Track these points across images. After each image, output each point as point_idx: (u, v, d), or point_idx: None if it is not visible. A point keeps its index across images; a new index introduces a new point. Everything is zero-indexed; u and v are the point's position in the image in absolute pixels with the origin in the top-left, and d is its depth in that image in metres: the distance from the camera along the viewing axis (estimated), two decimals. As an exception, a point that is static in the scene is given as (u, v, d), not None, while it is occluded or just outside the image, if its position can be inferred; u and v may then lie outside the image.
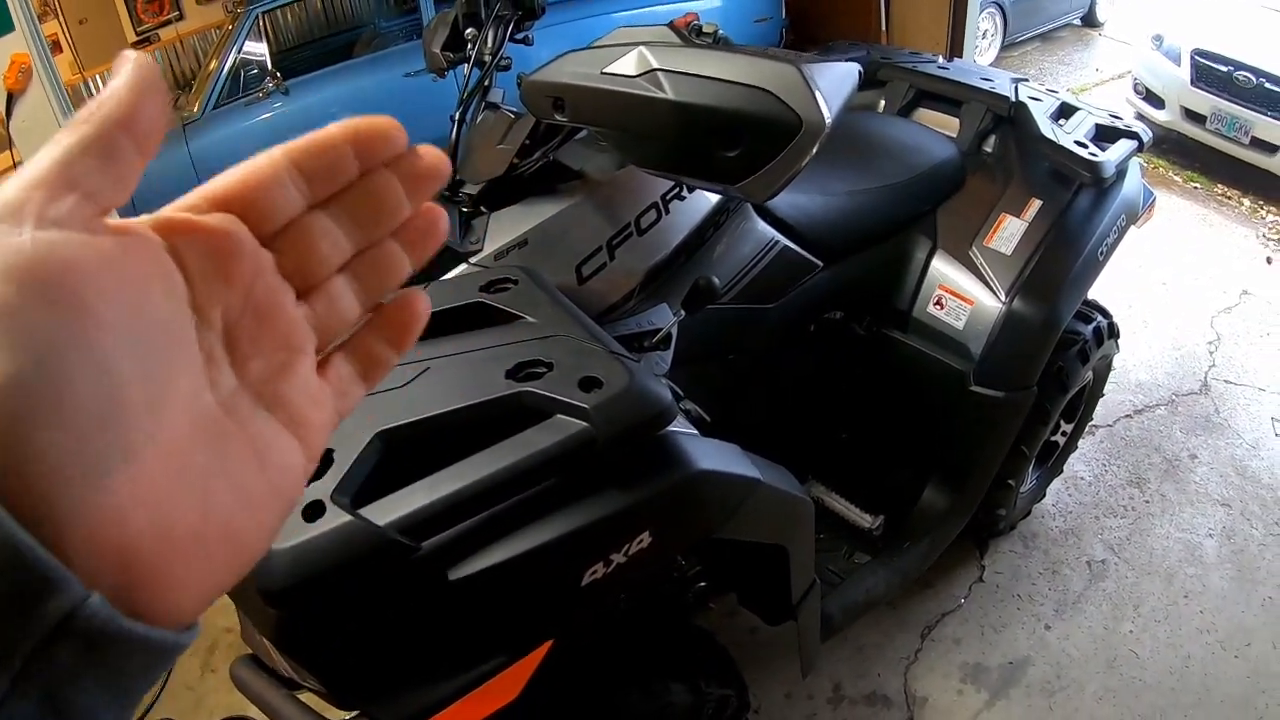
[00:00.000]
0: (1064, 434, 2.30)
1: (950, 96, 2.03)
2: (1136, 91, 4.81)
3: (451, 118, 1.42)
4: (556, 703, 1.18)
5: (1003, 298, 1.78)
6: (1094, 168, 1.78)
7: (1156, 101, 4.64)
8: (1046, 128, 1.84)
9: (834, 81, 1.08)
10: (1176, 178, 4.44)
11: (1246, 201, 4.19)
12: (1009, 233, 1.82)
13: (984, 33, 5.73)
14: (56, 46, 4.60)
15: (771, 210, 1.63)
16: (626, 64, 1.15)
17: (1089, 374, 2.14)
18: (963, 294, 1.82)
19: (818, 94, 1.04)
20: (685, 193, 1.47)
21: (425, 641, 0.93)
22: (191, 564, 0.28)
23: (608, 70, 1.17)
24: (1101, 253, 1.89)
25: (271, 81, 3.94)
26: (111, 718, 0.26)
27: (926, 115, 2.09)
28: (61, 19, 4.87)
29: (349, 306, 0.34)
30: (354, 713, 1.02)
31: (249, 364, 0.31)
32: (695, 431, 1.12)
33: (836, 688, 2.03)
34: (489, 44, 1.48)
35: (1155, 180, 4.33)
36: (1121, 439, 2.73)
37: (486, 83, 1.48)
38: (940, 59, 2.21)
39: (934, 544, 1.94)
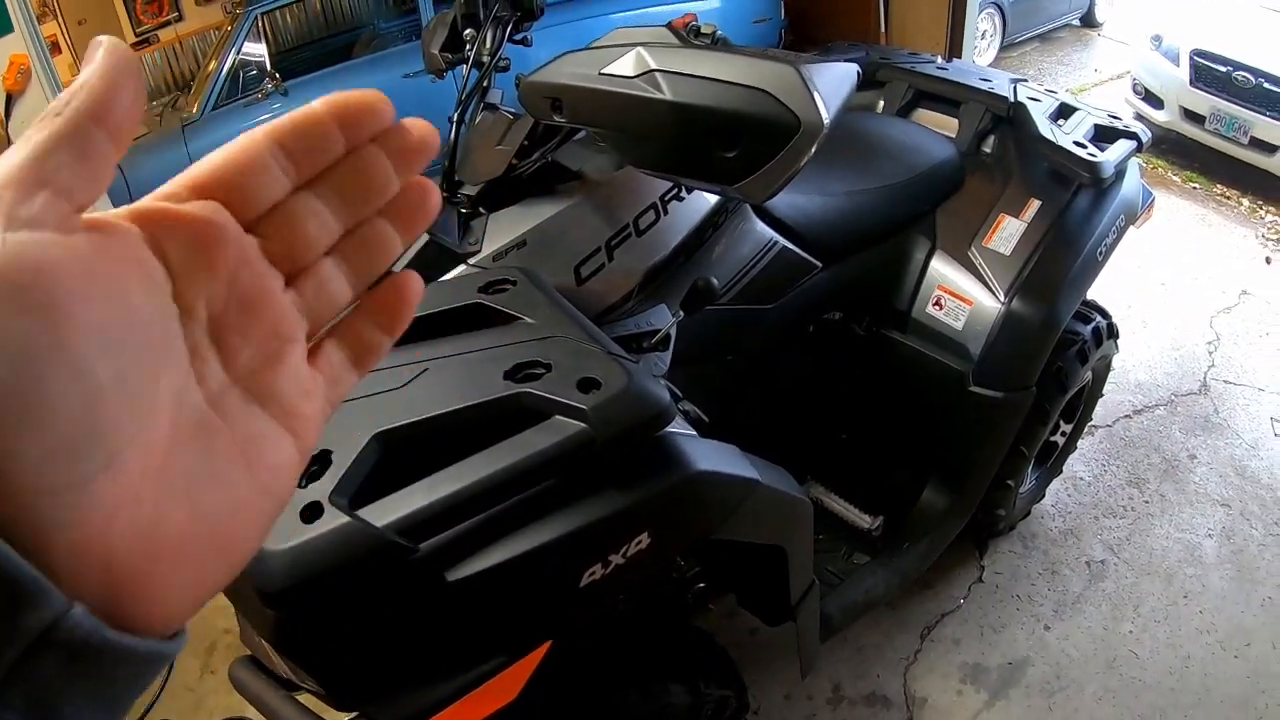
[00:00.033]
0: (1063, 434, 2.30)
1: (949, 97, 2.03)
2: (1135, 92, 4.81)
3: (450, 119, 1.42)
4: (555, 704, 1.18)
5: (1002, 298, 1.78)
6: (1093, 168, 1.78)
7: (1155, 102, 4.64)
8: (1045, 128, 1.84)
9: (832, 82, 1.08)
10: (1175, 178, 4.44)
11: (1245, 201, 4.19)
12: (1008, 233, 1.82)
13: (983, 33, 5.73)
14: (55, 47, 4.60)
15: (770, 211, 1.63)
16: (625, 65, 1.15)
17: (1088, 374, 2.14)
18: (962, 294, 1.82)
19: (816, 94, 1.04)
20: (684, 193, 1.47)
21: (424, 642, 0.93)
22: (179, 568, 0.27)
23: (606, 71, 1.17)
24: (1100, 253, 1.89)
25: (270, 82, 3.94)
26: None
27: (925, 115, 2.09)
28: (60, 20, 4.87)
29: (339, 290, 0.33)
30: (352, 714, 1.02)
31: (237, 356, 0.30)
32: (694, 432, 1.12)
33: (836, 688, 2.03)
34: (487, 45, 1.48)
35: (1154, 180, 4.33)
36: (1121, 439, 2.73)
37: (485, 84, 1.48)
38: (939, 59, 2.21)
39: (933, 544, 1.94)
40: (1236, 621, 2.14)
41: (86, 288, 0.25)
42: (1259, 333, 3.20)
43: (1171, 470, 2.60)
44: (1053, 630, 2.14)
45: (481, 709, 0.96)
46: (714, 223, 1.53)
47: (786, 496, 1.24)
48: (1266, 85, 4.08)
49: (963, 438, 1.90)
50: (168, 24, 5.37)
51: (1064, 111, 1.97)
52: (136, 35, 5.30)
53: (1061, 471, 2.47)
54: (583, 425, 0.93)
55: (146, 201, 0.29)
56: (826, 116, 1.04)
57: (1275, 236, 3.88)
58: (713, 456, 1.09)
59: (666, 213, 1.44)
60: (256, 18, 4.04)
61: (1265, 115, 4.08)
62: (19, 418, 0.23)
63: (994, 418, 1.84)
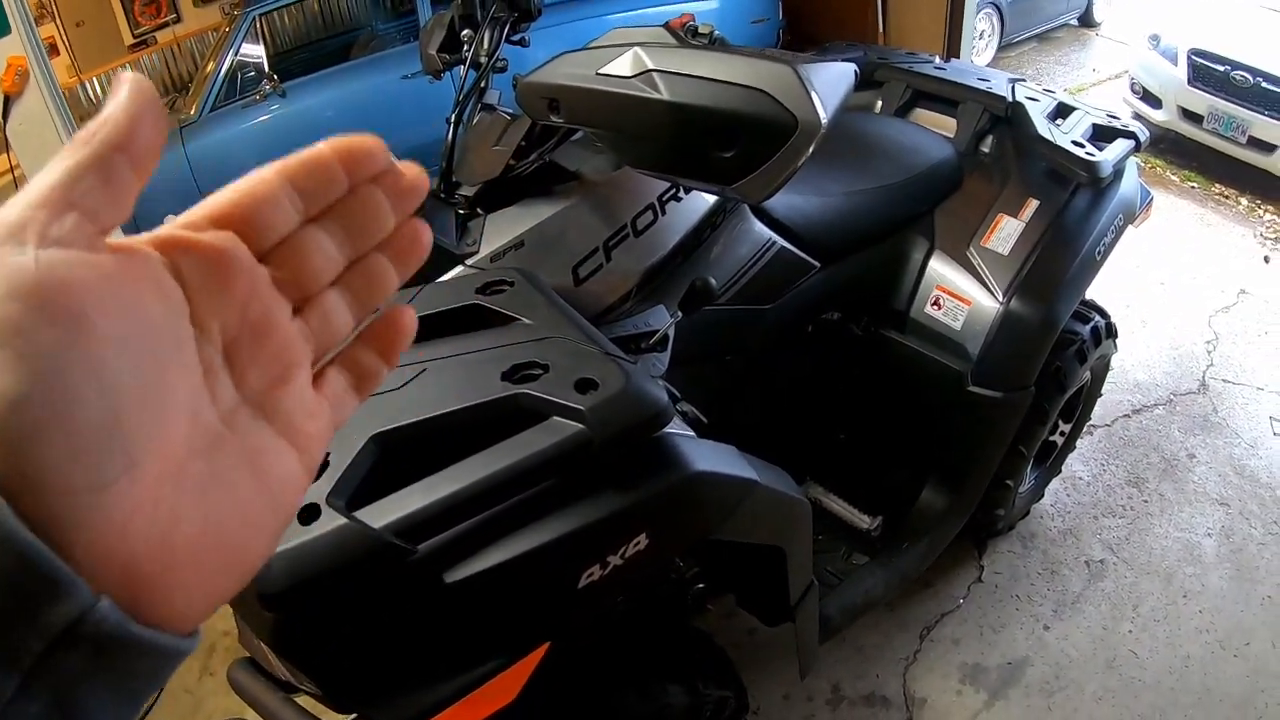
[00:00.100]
0: (1062, 434, 2.30)
1: (947, 97, 2.03)
2: (1134, 91, 4.81)
3: (448, 119, 1.42)
4: (554, 705, 1.18)
5: (1000, 298, 1.78)
6: (1091, 167, 1.78)
7: (1154, 101, 4.65)
8: (1043, 128, 1.84)
9: (830, 82, 1.08)
10: (1174, 177, 4.45)
11: (1244, 201, 4.19)
12: (1006, 233, 1.82)
13: (981, 33, 5.74)
14: (53, 49, 4.60)
15: (768, 211, 1.63)
16: (622, 65, 1.15)
17: (1087, 374, 2.14)
18: (960, 294, 1.82)
19: (814, 94, 1.04)
20: (682, 194, 1.47)
21: (422, 644, 0.93)
22: (192, 573, 0.29)
23: (603, 71, 1.16)
24: (1099, 252, 1.89)
25: (268, 84, 3.94)
26: None
27: (924, 116, 2.09)
28: (58, 21, 4.87)
29: (342, 320, 0.35)
30: (351, 715, 1.02)
31: (247, 376, 0.32)
32: (692, 433, 1.12)
33: (835, 689, 2.03)
34: (485, 46, 1.48)
35: (1153, 180, 4.34)
36: (1120, 439, 2.73)
37: (483, 84, 1.48)
38: (937, 59, 2.21)
39: (932, 544, 1.94)
40: (1236, 620, 2.14)
41: (110, 303, 0.26)
42: (1258, 332, 3.20)
43: (1170, 469, 2.60)
44: (1052, 630, 2.14)
45: (480, 710, 0.96)
46: (712, 223, 1.53)
47: (785, 497, 1.24)
48: (1265, 84, 4.09)
49: (961, 438, 1.90)
50: (166, 25, 5.38)
51: (1062, 111, 1.97)
52: (135, 36, 5.30)
53: (1060, 471, 2.47)
54: (581, 426, 0.93)
55: (167, 229, 0.31)
56: (824, 116, 1.04)
57: (1274, 235, 3.89)
58: (711, 457, 1.09)
59: (664, 213, 1.44)
60: (254, 19, 4.04)
61: (1263, 114, 4.08)
62: (47, 420, 0.24)
63: (993, 417, 1.84)
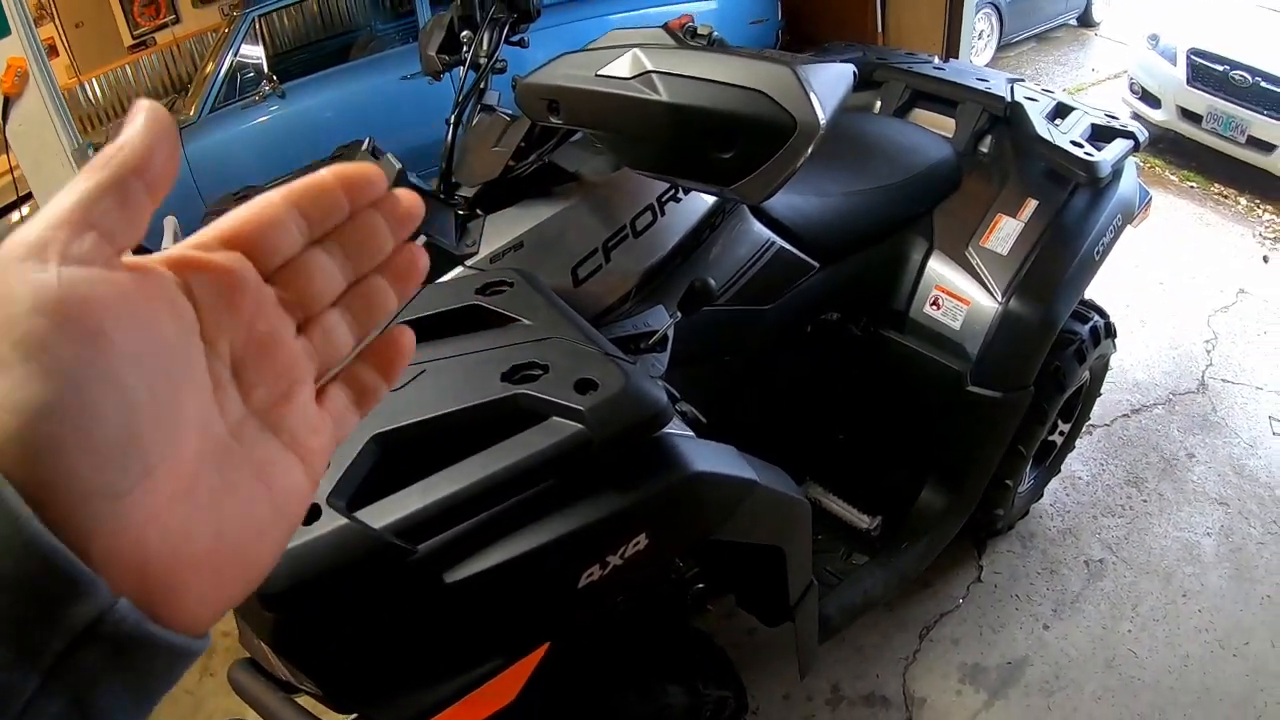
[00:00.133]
0: (1061, 434, 2.31)
1: (946, 97, 2.03)
2: (1133, 91, 4.81)
3: (447, 120, 1.43)
4: (554, 705, 1.18)
5: (999, 298, 1.78)
6: (1090, 167, 1.79)
7: (1153, 101, 4.65)
8: (1042, 128, 1.85)
9: (828, 83, 1.08)
10: (1173, 177, 4.45)
11: (1243, 200, 4.20)
12: (1005, 233, 1.83)
13: (980, 33, 5.74)
14: (53, 50, 4.60)
15: (767, 211, 1.63)
16: (621, 66, 1.15)
17: (1086, 373, 2.14)
18: (959, 294, 1.82)
19: (812, 95, 1.04)
20: (681, 195, 1.47)
21: (422, 644, 0.93)
22: (203, 576, 0.30)
23: (602, 73, 1.17)
24: (1098, 252, 1.89)
25: (268, 85, 3.93)
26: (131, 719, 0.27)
27: (922, 116, 2.09)
28: (58, 22, 4.87)
29: (343, 338, 0.37)
30: (351, 715, 1.02)
31: (254, 392, 0.33)
32: (691, 433, 1.12)
33: (835, 688, 2.03)
34: (484, 47, 1.48)
35: (1152, 180, 4.34)
36: (1119, 438, 2.73)
37: (482, 85, 1.48)
38: (936, 59, 2.21)
39: (932, 544, 1.94)
40: (1235, 620, 2.15)
41: (127, 319, 0.28)
42: (1257, 331, 3.21)
43: (1170, 469, 2.61)
44: (1051, 630, 2.15)
45: (480, 710, 0.96)
46: (711, 224, 1.53)
47: (784, 497, 1.24)
48: (1264, 84, 4.09)
49: (961, 437, 1.91)
50: (165, 26, 5.38)
51: (1061, 111, 1.97)
52: (134, 38, 5.30)
53: (1060, 471, 2.47)
54: (580, 426, 0.93)
55: (179, 249, 0.33)
56: (822, 117, 1.04)
57: (1273, 235, 3.89)
58: (710, 457, 1.09)
59: (663, 214, 1.44)
60: (253, 20, 4.03)
61: (1262, 114, 4.09)
62: (69, 430, 0.26)
63: (992, 417, 1.84)
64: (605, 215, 1.40)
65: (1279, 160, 4.08)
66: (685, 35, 1.48)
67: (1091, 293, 2.05)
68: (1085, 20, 6.77)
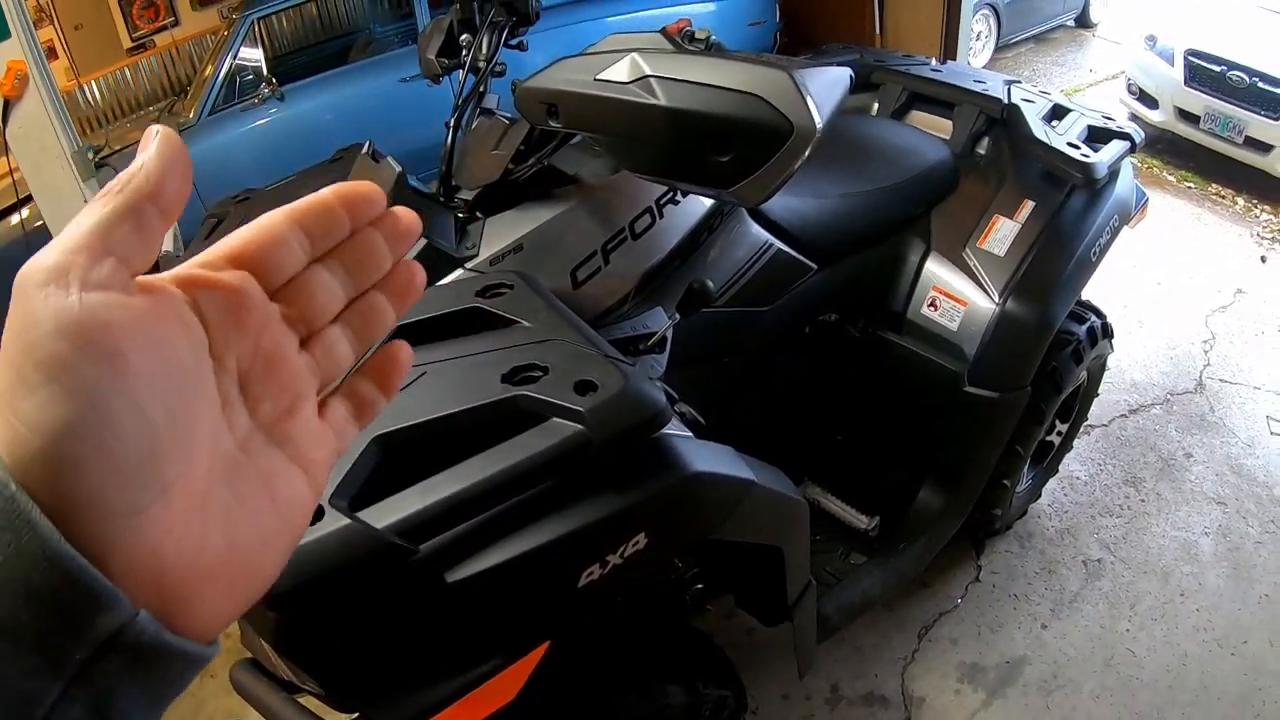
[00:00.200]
0: (1059, 434, 2.31)
1: (943, 99, 2.04)
2: (1130, 92, 4.82)
3: (447, 124, 1.43)
4: (554, 704, 1.19)
5: (996, 299, 1.79)
6: (1086, 169, 1.79)
7: (1150, 102, 4.66)
8: (1039, 129, 1.85)
9: (825, 86, 1.08)
10: (1171, 177, 4.46)
11: (1240, 200, 4.21)
12: (1002, 234, 1.83)
13: (978, 34, 5.76)
14: (52, 53, 4.60)
15: (766, 213, 1.64)
16: (619, 70, 1.16)
17: (1083, 374, 2.15)
18: (956, 295, 1.83)
19: (809, 99, 1.05)
20: (679, 197, 1.48)
21: (423, 643, 0.94)
22: (214, 586, 0.31)
23: (601, 77, 1.17)
24: (1094, 253, 1.90)
25: (267, 87, 3.94)
26: None
27: (920, 118, 2.10)
28: (57, 25, 4.88)
29: (343, 353, 0.38)
30: (353, 715, 1.03)
31: (260, 406, 0.35)
32: (690, 434, 1.13)
33: (834, 688, 2.03)
34: (484, 50, 1.49)
35: (1149, 180, 4.35)
36: (1117, 438, 2.74)
37: (481, 88, 1.48)
38: (933, 61, 2.22)
39: (930, 544, 1.95)
40: (1233, 619, 2.15)
41: (143, 341, 0.29)
42: (1254, 331, 3.21)
43: (1168, 469, 2.61)
44: (1050, 629, 2.15)
45: (480, 710, 0.97)
46: (709, 226, 1.53)
47: (783, 497, 1.24)
48: (1261, 84, 4.10)
49: (958, 438, 1.91)
50: (164, 29, 5.39)
51: (1057, 113, 1.98)
52: (133, 40, 5.31)
53: (1058, 471, 2.48)
54: (580, 427, 0.94)
55: (187, 268, 0.34)
56: (819, 121, 1.05)
57: (1270, 235, 3.90)
58: (709, 458, 1.10)
59: (662, 216, 1.45)
60: (252, 23, 4.04)
61: (1260, 114, 4.10)
62: (91, 450, 0.27)
63: (989, 418, 1.85)
64: (604, 218, 1.40)
65: (1276, 160, 4.09)
66: (683, 40, 1.48)
67: (1089, 293, 2.06)
68: (1083, 21, 6.78)
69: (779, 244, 1.63)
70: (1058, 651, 2.10)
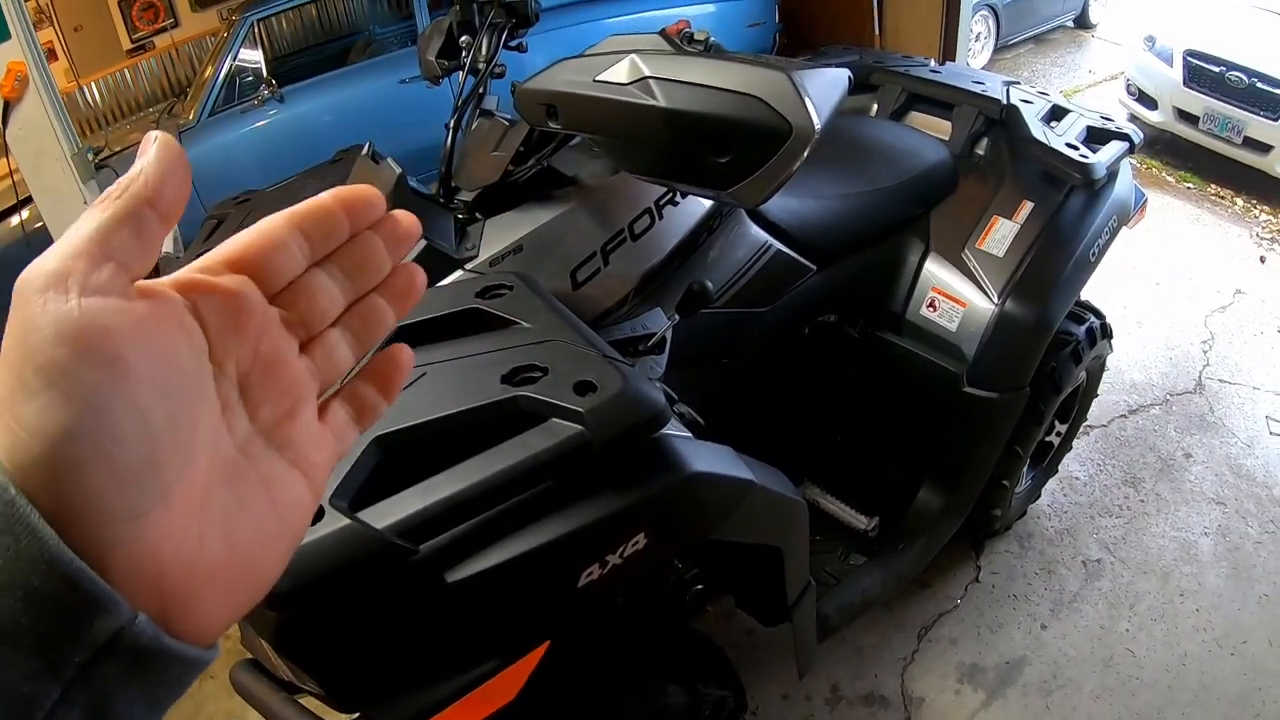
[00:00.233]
0: (1058, 434, 2.32)
1: (942, 100, 2.04)
2: (1129, 92, 4.83)
3: (446, 125, 1.44)
4: (554, 704, 1.19)
5: (995, 299, 1.79)
6: (1085, 169, 1.79)
7: (1149, 102, 4.66)
8: (1038, 130, 1.86)
9: (823, 88, 1.09)
10: (1170, 178, 4.46)
11: (1239, 201, 4.21)
12: (1001, 235, 1.84)
13: (977, 35, 5.76)
14: (52, 54, 4.61)
15: (765, 214, 1.64)
16: (619, 72, 1.16)
17: (1082, 374, 2.15)
18: (955, 296, 1.83)
19: (807, 100, 1.05)
20: (678, 198, 1.48)
21: (423, 644, 0.94)
22: (214, 590, 0.31)
23: (600, 78, 1.18)
24: (1093, 254, 1.90)
25: (266, 89, 3.95)
26: None
27: (919, 119, 2.10)
28: (57, 26, 4.89)
29: (343, 356, 0.38)
30: (353, 715, 1.03)
31: (260, 410, 0.35)
32: (689, 434, 1.13)
33: (834, 688, 2.04)
34: (483, 51, 1.49)
35: (1148, 181, 4.35)
36: (1116, 439, 2.74)
37: (481, 90, 1.49)
38: (932, 63, 2.22)
39: (929, 545, 1.95)
40: (1233, 619, 2.16)
41: (143, 346, 0.29)
42: (1253, 331, 3.22)
43: (1167, 469, 2.62)
44: (1050, 629, 2.15)
45: (480, 710, 0.97)
46: (708, 227, 1.54)
47: (782, 497, 1.25)
48: (1260, 85, 4.10)
49: (957, 438, 1.91)
50: (163, 30, 5.39)
51: (1056, 113, 1.98)
52: (132, 41, 5.31)
53: (1057, 471, 2.48)
54: (579, 428, 0.94)
55: (187, 272, 0.34)
56: (818, 122, 1.05)
57: (1269, 235, 3.90)
58: (708, 458, 1.10)
59: (661, 217, 1.45)
60: (252, 24, 4.04)
61: (1259, 115, 4.10)
62: (91, 455, 0.27)
63: (988, 418, 1.85)
64: (603, 219, 1.41)
65: (1275, 161, 4.09)
66: (682, 41, 1.49)
67: (1088, 294, 2.06)
68: (1082, 22, 6.79)
69: (778, 245, 1.64)
70: (1057, 652, 2.10)
